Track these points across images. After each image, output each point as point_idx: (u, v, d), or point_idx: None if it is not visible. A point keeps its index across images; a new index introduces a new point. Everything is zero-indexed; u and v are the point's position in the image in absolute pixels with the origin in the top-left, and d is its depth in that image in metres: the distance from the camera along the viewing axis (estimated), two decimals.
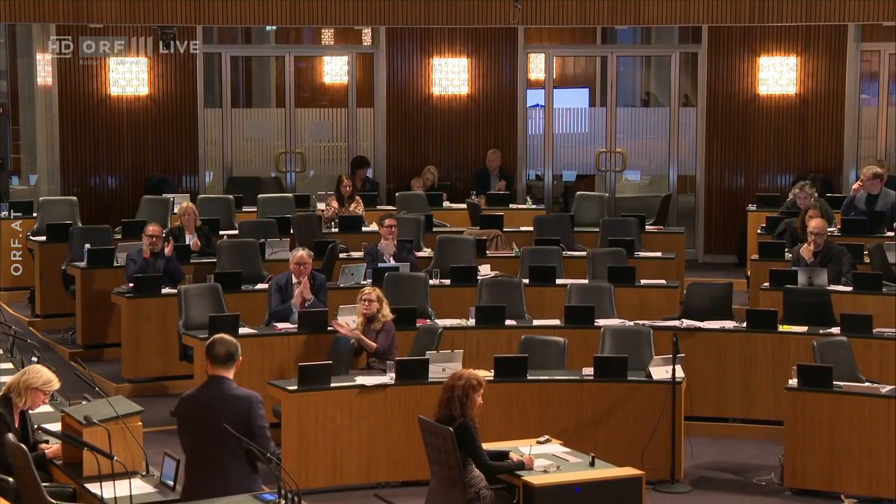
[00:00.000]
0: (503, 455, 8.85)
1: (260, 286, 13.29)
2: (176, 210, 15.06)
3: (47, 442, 8.52)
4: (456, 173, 18.68)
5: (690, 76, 19.17)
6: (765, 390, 11.92)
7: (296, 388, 10.51)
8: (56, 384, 8.39)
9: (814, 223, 13.41)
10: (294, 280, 12.44)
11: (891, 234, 14.83)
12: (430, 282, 13.26)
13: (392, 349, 11.49)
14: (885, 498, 10.37)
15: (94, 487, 7.65)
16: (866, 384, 10.77)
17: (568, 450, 9.26)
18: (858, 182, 15.41)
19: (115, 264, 13.90)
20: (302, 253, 12.52)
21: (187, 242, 14.31)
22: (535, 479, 8.62)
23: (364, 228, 15.56)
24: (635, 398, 10.92)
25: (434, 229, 15.55)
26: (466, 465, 8.55)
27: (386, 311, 11.63)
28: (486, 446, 8.78)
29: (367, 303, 11.54)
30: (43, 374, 8.36)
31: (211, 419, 7.21)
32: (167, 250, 13.48)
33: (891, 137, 18.36)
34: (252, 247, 14.04)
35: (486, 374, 10.70)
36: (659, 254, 15.06)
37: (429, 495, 8.84)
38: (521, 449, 9.05)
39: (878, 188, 15.12)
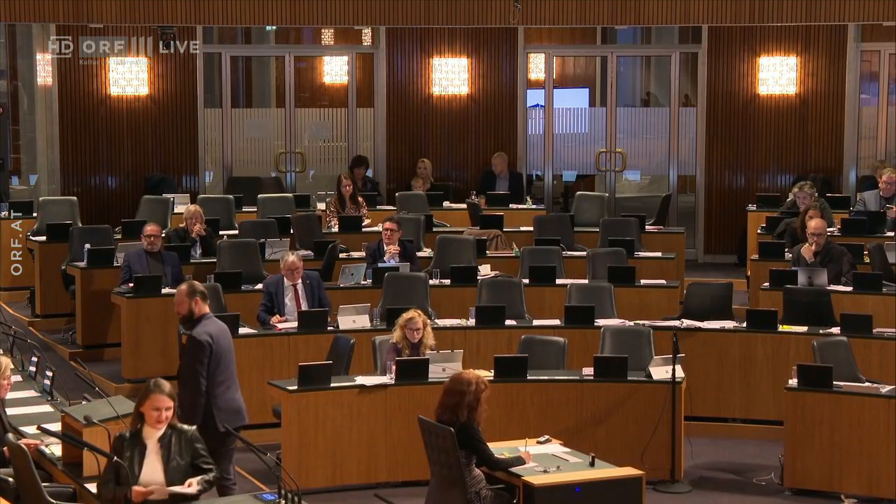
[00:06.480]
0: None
1: (259, 286, 13.28)
2: (182, 211, 14.98)
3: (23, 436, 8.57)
4: (456, 173, 18.66)
5: (690, 76, 19.15)
6: (765, 390, 11.92)
7: (296, 388, 10.51)
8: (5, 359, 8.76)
9: (813, 223, 13.40)
10: (287, 283, 12.38)
11: (891, 234, 14.84)
12: (430, 282, 13.25)
13: None
14: (885, 498, 10.37)
15: (94, 487, 7.66)
16: (866, 384, 10.77)
17: (568, 450, 9.27)
18: (885, 185, 15.46)
19: (115, 264, 13.90)
20: (293, 258, 12.39)
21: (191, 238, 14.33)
22: (535, 479, 8.62)
23: (364, 228, 15.55)
24: (635, 398, 10.92)
25: (434, 229, 15.54)
26: (467, 465, 8.55)
27: (430, 338, 11.08)
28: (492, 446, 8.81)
29: (415, 332, 10.92)
30: None
31: (230, 345, 9.05)
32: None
33: (891, 137, 18.34)
34: (252, 247, 14.03)
35: (486, 374, 10.72)
36: (659, 254, 15.05)
37: (429, 495, 8.84)
38: (521, 449, 9.05)
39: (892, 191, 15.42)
